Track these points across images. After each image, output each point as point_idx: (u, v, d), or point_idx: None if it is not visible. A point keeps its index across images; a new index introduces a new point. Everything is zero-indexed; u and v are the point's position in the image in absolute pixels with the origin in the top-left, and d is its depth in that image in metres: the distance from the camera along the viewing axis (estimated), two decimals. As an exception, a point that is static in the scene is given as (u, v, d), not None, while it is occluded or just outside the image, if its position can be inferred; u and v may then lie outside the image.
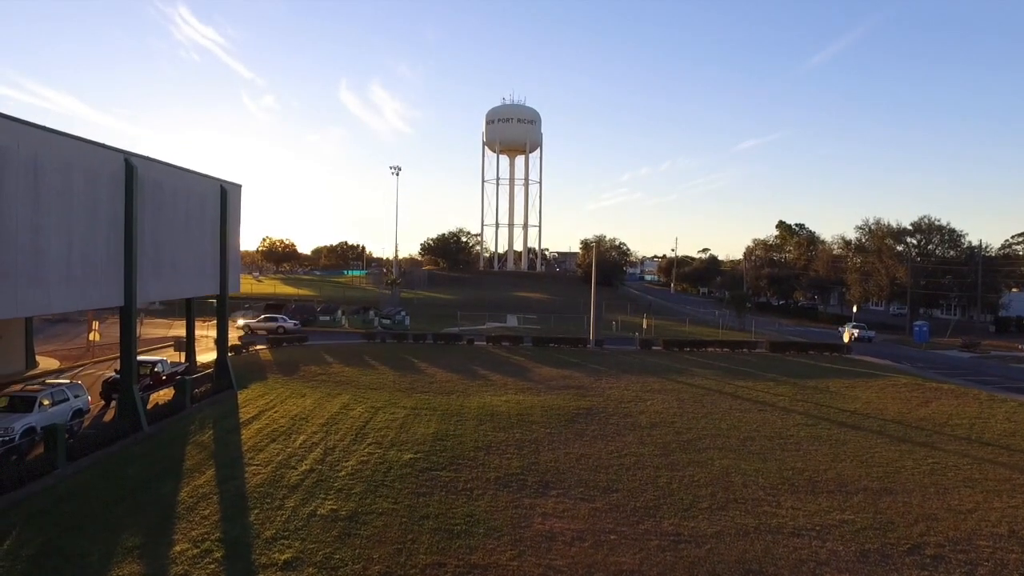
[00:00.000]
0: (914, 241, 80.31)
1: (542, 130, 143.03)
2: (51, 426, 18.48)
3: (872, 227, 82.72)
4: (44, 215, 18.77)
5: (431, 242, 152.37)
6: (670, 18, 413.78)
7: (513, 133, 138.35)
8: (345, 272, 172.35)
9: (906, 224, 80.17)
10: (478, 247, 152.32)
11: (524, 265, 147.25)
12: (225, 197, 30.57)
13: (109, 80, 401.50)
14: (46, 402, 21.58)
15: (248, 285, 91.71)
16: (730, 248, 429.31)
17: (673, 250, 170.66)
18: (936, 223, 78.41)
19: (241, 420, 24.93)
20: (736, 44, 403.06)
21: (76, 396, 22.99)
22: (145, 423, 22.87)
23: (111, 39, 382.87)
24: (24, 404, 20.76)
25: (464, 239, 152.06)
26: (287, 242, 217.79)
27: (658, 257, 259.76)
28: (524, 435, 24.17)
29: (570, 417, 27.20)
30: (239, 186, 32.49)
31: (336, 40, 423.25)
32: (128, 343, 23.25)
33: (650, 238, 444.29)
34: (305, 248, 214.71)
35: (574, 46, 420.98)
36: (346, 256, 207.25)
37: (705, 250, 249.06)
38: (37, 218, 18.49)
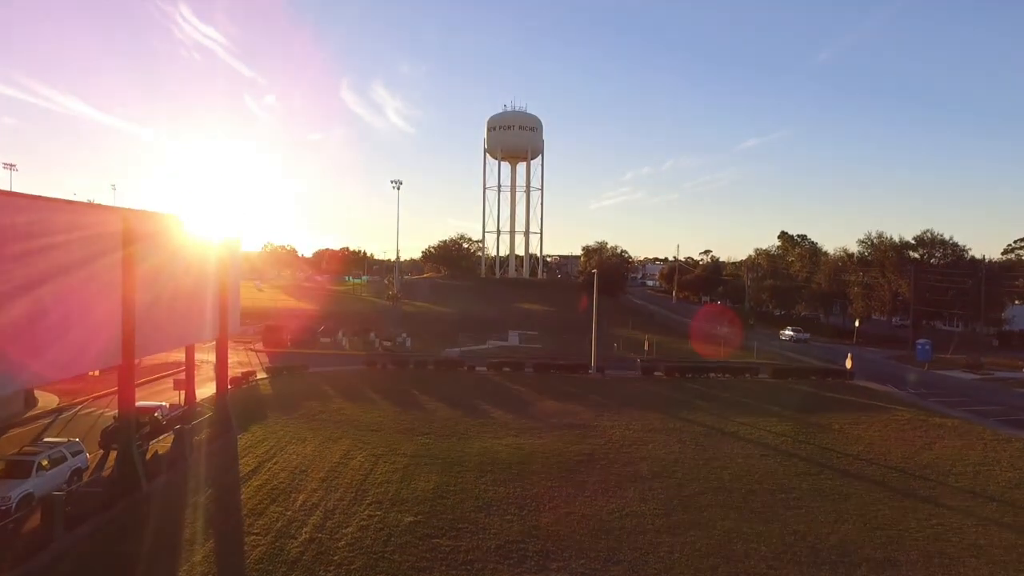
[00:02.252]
0: (916, 255, 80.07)
1: (543, 137, 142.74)
2: (49, 498, 18.35)
3: (875, 240, 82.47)
4: (41, 285, 18.61)
5: (432, 249, 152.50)
6: (672, 15, 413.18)
7: (514, 140, 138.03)
8: (347, 278, 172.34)
9: (908, 238, 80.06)
10: (479, 253, 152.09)
11: (526, 272, 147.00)
12: (225, 243, 30.44)
13: (110, 79, 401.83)
14: (45, 463, 21.52)
15: (249, 298, 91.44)
16: (732, 249, 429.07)
17: (675, 257, 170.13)
18: (939, 237, 78.23)
19: (241, 474, 24.78)
20: (738, 42, 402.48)
21: (74, 454, 22.91)
22: (144, 481, 22.76)
23: (112, 39, 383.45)
24: (21, 469, 20.67)
25: (466, 245, 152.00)
26: (288, 248, 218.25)
27: (659, 260, 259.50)
28: (525, 490, 24.01)
29: (571, 466, 27.04)
30: (237, 239, 32.48)
31: (337, 39, 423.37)
32: (127, 401, 23.13)
33: (652, 238, 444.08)
34: (307, 250, 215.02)
35: (576, 43, 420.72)
36: (348, 261, 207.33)
37: (707, 251, 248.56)
38: (34, 290, 18.33)
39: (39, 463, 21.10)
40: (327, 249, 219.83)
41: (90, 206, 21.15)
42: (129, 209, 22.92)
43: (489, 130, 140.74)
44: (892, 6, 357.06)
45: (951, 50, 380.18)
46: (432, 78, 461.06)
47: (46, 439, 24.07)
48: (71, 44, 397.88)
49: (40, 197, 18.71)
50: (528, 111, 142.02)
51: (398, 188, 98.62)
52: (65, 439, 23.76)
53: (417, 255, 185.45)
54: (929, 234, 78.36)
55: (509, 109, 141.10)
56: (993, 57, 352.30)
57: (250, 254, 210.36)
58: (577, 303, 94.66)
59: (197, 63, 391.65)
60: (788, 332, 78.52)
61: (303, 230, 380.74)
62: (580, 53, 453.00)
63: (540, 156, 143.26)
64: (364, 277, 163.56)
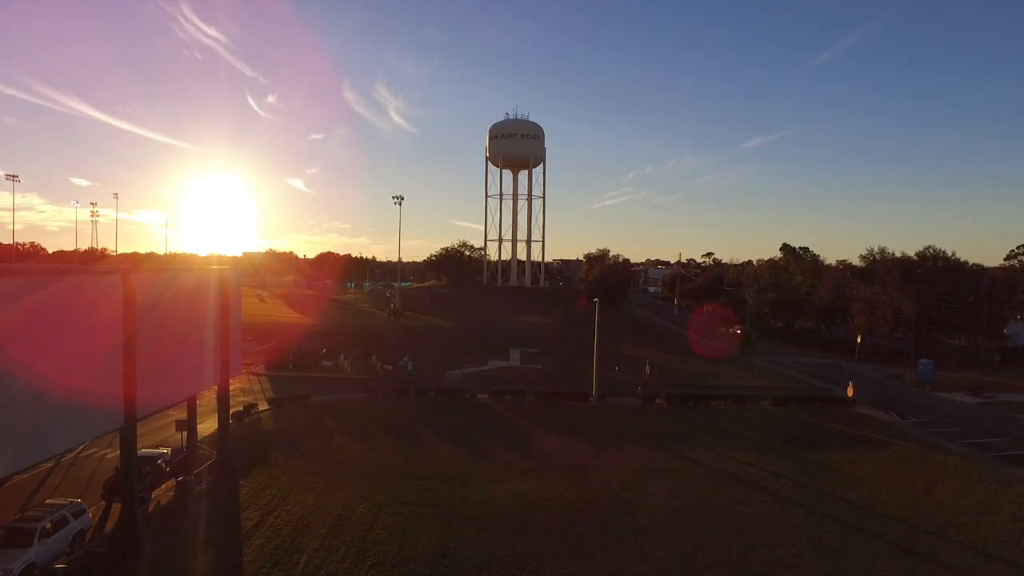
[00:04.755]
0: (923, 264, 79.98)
1: (545, 145, 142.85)
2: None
3: (877, 256, 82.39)
4: (43, 360, 18.73)
5: (434, 257, 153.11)
6: (673, 14, 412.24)
7: (516, 149, 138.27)
8: (349, 285, 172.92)
9: (911, 252, 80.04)
10: (481, 257, 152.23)
11: (528, 280, 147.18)
12: (225, 285, 30.51)
13: (112, 79, 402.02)
14: (48, 526, 21.60)
15: (251, 312, 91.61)
16: (735, 250, 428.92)
17: (678, 261, 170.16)
18: (941, 253, 78.17)
19: (243, 531, 24.82)
20: (739, 41, 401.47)
21: (76, 516, 22.96)
22: (146, 541, 22.88)
23: (114, 38, 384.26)
24: (22, 537, 20.70)
25: (468, 253, 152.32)
26: (289, 253, 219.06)
27: (662, 265, 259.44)
28: (525, 547, 24.01)
29: (571, 516, 27.00)
30: (238, 270, 32.48)
31: (339, 38, 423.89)
32: (128, 459, 23.26)
33: (655, 238, 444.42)
34: (310, 250, 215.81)
35: (578, 41, 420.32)
36: (350, 265, 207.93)
37: (709, 254, 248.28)
38: (35, 365, 18.45)
39: (42, 529, 21.17)
40: (330, 253, 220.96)
41: (91, 275, 21.25)
42: (128, 272, 22.99)
43: (491, 138, 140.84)
44: (896, 5, 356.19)
45: (957, 49, 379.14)
46: (434, 77, 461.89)
47: (48, 501, 24.09)
48: (72, 44, 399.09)
49: (40, 272, 18.85)
50: (530, 119, 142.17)
51: (399, 203, 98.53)
52: (67, 500, 23.80)
53: (419, 256, 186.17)
54: (931, 249, 78.39)
55: (511, 117, 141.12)
56: (1003, 47, 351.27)
57: (253, 256, 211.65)
58: (578, 314, 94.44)
59: (198, 63, 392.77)
60: (737, 330, 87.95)
61: (305, 231, 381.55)
62: (582, 51, 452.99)
63: (542, 164, 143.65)
64: (367, 284, 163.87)
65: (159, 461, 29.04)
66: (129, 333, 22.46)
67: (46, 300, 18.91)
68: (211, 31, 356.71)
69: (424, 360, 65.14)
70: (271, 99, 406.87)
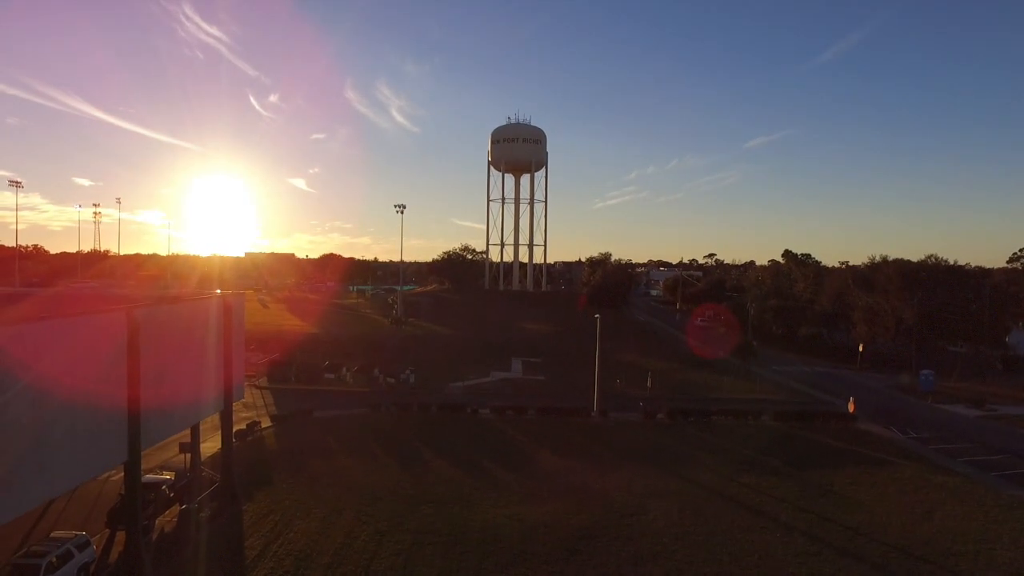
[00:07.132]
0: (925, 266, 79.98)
1: (547, 149, 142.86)
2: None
3: (878, 263, 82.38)
4: (47, 402, 18.92)
5: (437, 260, 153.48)
6: (675, 14, 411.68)
7: (518, 153, 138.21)
8: (352, 288, 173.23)
9: (912, 256, 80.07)
10: (483, 259, 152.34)
11: (530, 283, 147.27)
12: (228, 311, 30.70)
13: (114, 79, 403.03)
14: (53, 561, 21.78)
15: (253, 320, 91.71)
16: (736, 251, 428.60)
17: (679, 264, 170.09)
18: (944, 261, 78.15)
19: (247, 560, 24.99)
20: (741, 40, 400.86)
21: (81, 549, 23.14)
22: (150, 573, 23.07)
23: (116, 38, 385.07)
24: (28, 574, 20.89)
25: (470, 256, 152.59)
26: (291, 255, 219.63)
27: (664, 266, 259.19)
28: (526, 578, 24.21)
29: (571, 544, 27.12)
30: (242, 295, 32.64)
31: (341, 38, 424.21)
32: (133, 491, 23.45)
33: (656, 237, 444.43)
34: (312, 250, 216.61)
35: (580, 41, 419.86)
36: (353, 268, 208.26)
37: (711, 255, 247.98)
38: (41, 409, 18.65)
39: (47, 564, 21.34)
40: (333, 255, 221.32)
41: (94, 316, 21.41)
42: (131, 308, 23.17)
43: (493, 143, 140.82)
44: (899, 5, 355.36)
45: (960, 49, 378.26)
46: (436, 77, 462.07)
47: (52, 534, 24.23)
48: (74, 44, 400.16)
49: (44, 319, 19.02)
50: (532, 123, 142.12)
51: (401, 211, 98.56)
52: (72, 533, 23.99)
53: (421, 256, 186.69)
54: (933, 258, 78.39)
55: (513, 121, 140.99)
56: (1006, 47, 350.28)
57: (255, 256, 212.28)
58: (581, 321, 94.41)
59: (200, 62, 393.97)
60: (699, 322, 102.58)
61: (307, 231, 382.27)
62: (584, 50, 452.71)
63: (544, 168, 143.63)
64: (369, 288, 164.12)
65: (163, 487, 29.22)
66: (133, 368, 22.66)
67: (52, 343, 19.09)
68: (213, 30, 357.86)
69: (426, 370, 65.20)
70: (273, 98, 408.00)
